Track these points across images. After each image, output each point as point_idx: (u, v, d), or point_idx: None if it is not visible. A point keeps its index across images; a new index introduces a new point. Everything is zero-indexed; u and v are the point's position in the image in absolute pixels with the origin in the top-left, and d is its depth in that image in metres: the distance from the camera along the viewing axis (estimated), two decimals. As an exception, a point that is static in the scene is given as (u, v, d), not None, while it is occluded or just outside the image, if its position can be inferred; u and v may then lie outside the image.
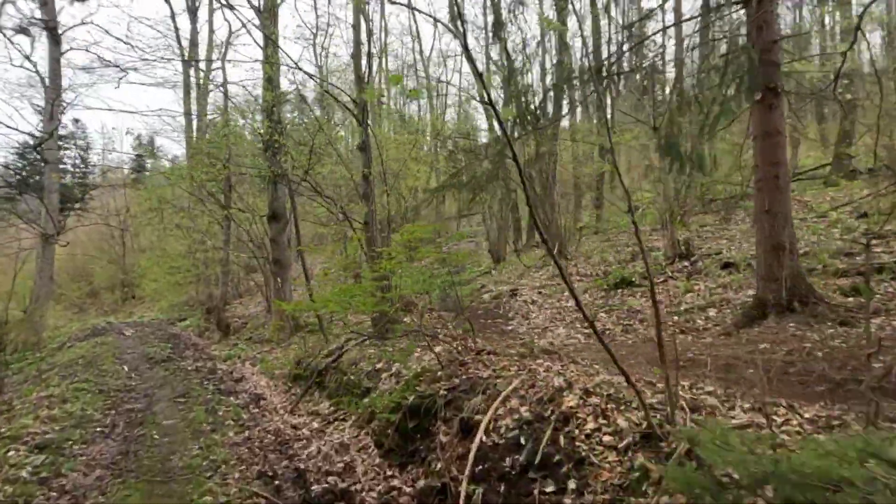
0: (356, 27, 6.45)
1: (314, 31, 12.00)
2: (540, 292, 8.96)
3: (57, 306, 25.45)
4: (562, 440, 2.83)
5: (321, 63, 18.76)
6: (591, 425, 2.83)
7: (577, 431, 2.83)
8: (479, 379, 4.02)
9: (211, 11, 20.11)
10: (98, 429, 5.56)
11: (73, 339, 16.72)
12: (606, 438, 2.68)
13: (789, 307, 4.57)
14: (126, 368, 10.39)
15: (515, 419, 3.22)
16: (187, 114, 14.97)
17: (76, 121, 26.28)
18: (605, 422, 2.81)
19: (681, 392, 2.71)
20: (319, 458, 4.28)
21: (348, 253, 13.67)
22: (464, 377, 4.17)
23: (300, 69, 6.15)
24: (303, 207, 16.57)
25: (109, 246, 26.73)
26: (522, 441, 3.01)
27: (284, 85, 12.70)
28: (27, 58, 18.72)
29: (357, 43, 6.38)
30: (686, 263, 7.42)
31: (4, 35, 21.72)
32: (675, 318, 5.67)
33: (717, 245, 8.10)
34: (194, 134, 15.58)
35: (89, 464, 4.51)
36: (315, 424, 5.25)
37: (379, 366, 5.66)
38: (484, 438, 3.21)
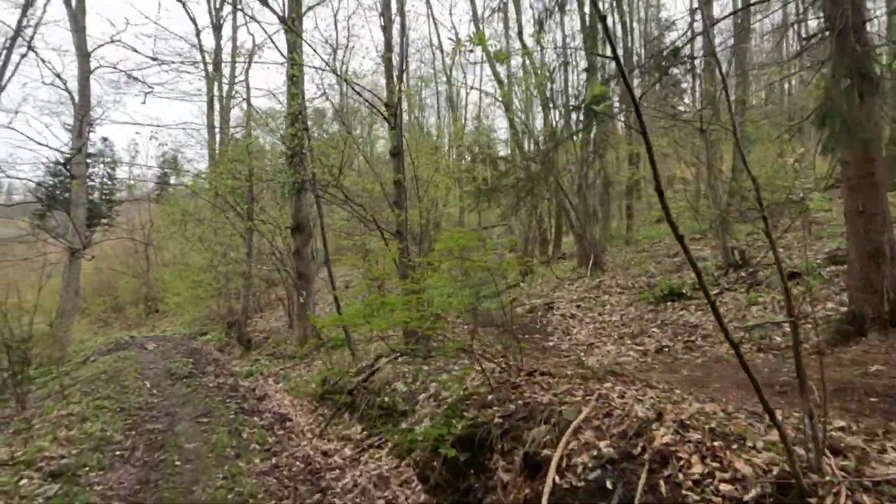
0: (386, 28, 6.15)
1: (334, 45, 11.88)
2: (578, 306, 8.41)
3: (82, 320, 25.73)
4: (663, 487, 2.31)
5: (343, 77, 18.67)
6: (698, 468, 2.32)
7: (680, 476, 2.32)
8: (537, 405, 3.52)
9: (235, 28, 20.39)
10: (117, 452, 5.21)
11: (96, 353, 16.69)
12: (724, 487, 2.16)
13: (893, 322, 3.98)
14: (148, 384, 10.14)
15: (594, 456, 2.71)
16: (210, 127, 14.98)
17: (104, 139, 26.86)
18: (717, 465, 2.29)
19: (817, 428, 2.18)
20: (356, 492, 3.82)
21: (370, 264, 13.34)
22: (519, 402, 3.67)
23: (329, 68, 5.84)
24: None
25: (134, 260, 27.02)
26: (609, 485, 2.50)
27: (310, 93, 12.58)
28: (58, 76, 19.16)
29: (388, 43, 6.08)
30: (742, 274, 6.82)
31: (37, 55, 22.35)
32: (744, 333, 5.08)
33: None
34: (217, 147, 15.58)
35: (105, 494, 4.13)
36: (347, 451, 4.79)
37: (415, 386, 5.21)
38: (557, 479, 2.71)
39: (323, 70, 6.38)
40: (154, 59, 17.53)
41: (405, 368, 5.55)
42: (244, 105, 14.81)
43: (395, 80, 5.92)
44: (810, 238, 7.84)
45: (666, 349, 5.34)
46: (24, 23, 17.79)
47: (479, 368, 4.11)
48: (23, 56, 18.55)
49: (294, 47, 7.57)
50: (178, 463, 4.82)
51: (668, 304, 6.97)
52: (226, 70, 18.21)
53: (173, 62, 17.25)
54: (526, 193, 4.79)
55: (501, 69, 14.38)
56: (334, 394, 6.30)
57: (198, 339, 18.17)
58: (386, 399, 5.23)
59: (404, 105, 14.20)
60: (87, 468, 4.60)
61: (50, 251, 18.67)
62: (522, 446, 3.22)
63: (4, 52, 17.94)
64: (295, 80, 7.30)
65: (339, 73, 6.16)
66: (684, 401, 3.10)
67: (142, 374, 11.65)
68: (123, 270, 26.90)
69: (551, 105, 11.10)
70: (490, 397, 3.92)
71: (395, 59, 6.02)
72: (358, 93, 5.89)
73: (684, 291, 7.00)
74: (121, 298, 27.59)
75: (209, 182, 11.86)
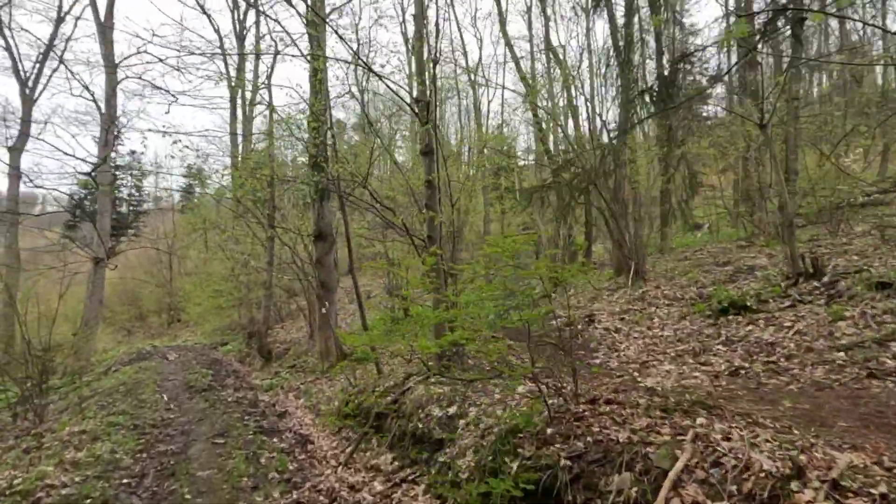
0: (417, 16, 5.67)
1: (356, 41, 11.43)
2: (622, 318, 7.70)
3: (107, 329, 25.95)
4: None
5: (363, 86, 18.46)
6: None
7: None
8: (612, 444, 2.88)
9: (258, 38, 20.40)
10: (124, 480, 4.72)
11: (118, 363, 16.58)
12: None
13: None
14: (165, 398, 9.78)
15: (711, 523, 2.06)
16: (233, 134, 14.83)
17: (132, 152, 27.24)
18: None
19: None
20: (391, 542, 3.22)
21: (397, 274, 12.82)
22: (588, 439, 3.03)
23: (359, 61, 5.37)
24: (340, 227, 15.99)
25: (158, 270, 27.21)
26: (742, 569, 1.85)
27: (335, 91, 12.22)
28: (86, 87, 19.43)
29: (419, 32, 5.59)
30: (816, 284, 6.03)
31: (67, 68, 22.73)
32: (839, 353, 4.33)
33: (848, 261, 6.65)
34: (239, 155, 15.42)
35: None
36: (378, 486, 4.20)
37: (452, 411, 4.60)
38: (661, 552, 2.07)
39: (349, 63, 5.97)
40: (178, 69, 17.54)
41: (439, 390, 4.94)
42: (266, 114, 14.59)
43: (428, 67, 5.40)
44: (888, 244, 6.99)
45: (742, 371, 4.61)
46: (57, 38, 18.15)
47: (538, 393, 3.48)
48: (54, 70, 18.92)
49: (318, 43, 7.18)
50: (188, 496, 4.30)
51: (730, 317, 6.21)
52: (249, 76, 18.15)
53: (198, 68, 17.23)
54: (581, 191, 4.24)
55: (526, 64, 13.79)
56: (359, 415, 5.72)
57: (218, 350, 17.93)
58: (419, 425, 4.63)
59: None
60: (89, 501, 4.12)
61: (75, 260, 18.80)
62: (601, 499, 2.59)
63: (37, 65, 18.32)
64: (319, 74, 6.90)
65: (366, 63, 5.67)
66: (812, 446, 2.42)
67: (160, 387, 11.33)
68: (147, 280, 27.10)
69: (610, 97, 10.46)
70: (550, 431, 3.29)
71: (427, 49, 5.52)
72: (388, 86, 5.40)
73: (748, 304, 6.23)
74: (144, 308, 27.78)
75: (233, 189, 11.58)
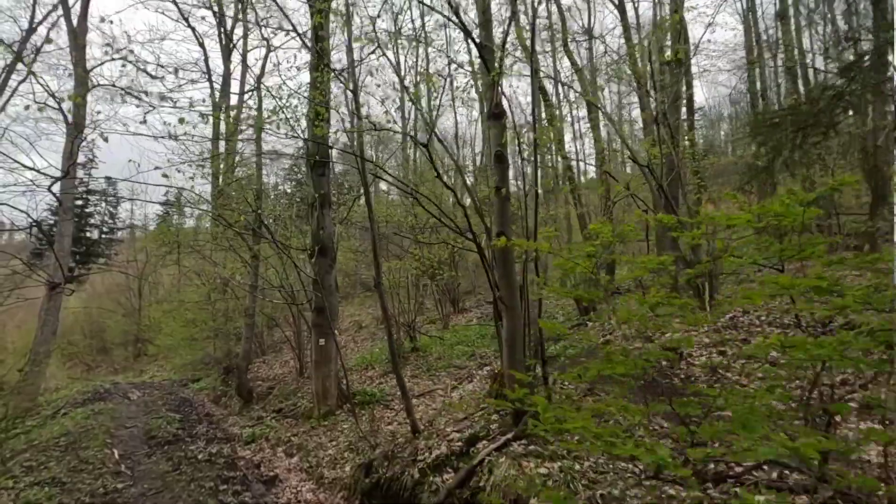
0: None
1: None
2: (722, 352, 6.17)
3: (65, 364, 23.27)
4: None
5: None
6: None
7: None
8: None
9: (245, 52, 19.13)
10: None
11: (70, 404, 14.23)
12: None
13: None
14: (116, 454, 7.76)
15: None
16: (215, 139, 13.24)
17: (108, 178, 25.70)
18: None
19: None
20: None
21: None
22: None
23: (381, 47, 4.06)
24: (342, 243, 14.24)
25: (126, 298, 24.85)
26: None
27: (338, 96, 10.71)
28: (52, 95, 17.65)
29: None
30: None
31: (37, 79, 21.02)
32: None
33: None
34: (220, 176, 13.74)
35: None
36: None
37: None
38: None
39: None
40: (154, 77, 16.04)
41: (529, 463, 3.25)
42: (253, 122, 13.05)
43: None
44: None
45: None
46: (26, 50, 16.60)
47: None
48: (21, 82, 17.23)
49: (315, 34, 5.87)
50: None
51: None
52: (234, 90, 16.75)
53: (178, 76, 15.79)
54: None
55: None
56: (388, 495, 3.93)
57: (189, 387, 15.77)
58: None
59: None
60: None
61: (26, 285, 16.57)
62: None
63: (4, 74, 16.65)
64: (320, 55, 5.53)
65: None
66: None
67: (113, 437, 9.26)
68: (113, 309, 24.66)
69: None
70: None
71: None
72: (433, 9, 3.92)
73: None
74: (109, 339, 25.23)
75: (214, 210, 9.90)
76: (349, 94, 5.98)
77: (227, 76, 19.91)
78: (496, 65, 4.14)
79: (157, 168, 6.36)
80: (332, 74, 6.69)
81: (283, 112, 6.06)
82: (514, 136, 5.67)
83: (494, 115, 4.46)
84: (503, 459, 3.52)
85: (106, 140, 6.06)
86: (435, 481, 3.68)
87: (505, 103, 4.42)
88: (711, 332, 6.54)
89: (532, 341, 5.39)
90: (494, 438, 3.92)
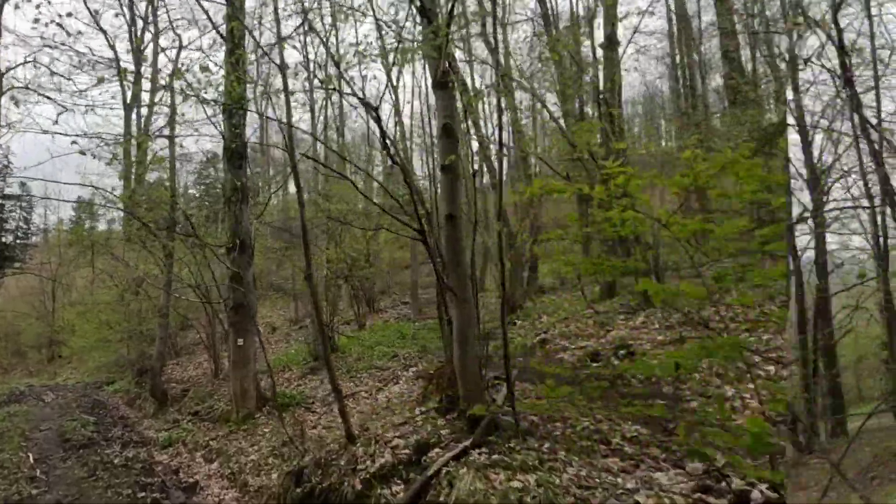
0: None
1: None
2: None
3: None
4: None
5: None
6: None
7: None
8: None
9: (156, 53, 18.46)
10: None
11: (-16, 406, 13.59)
12: None
13: None
14: (31, 458, 7.73)
15: None
16: (127, 135, 12.83)
17: (22, 184, 24.42)
18: None
19: None
20: None
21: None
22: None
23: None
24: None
25: (40, 301, 23.83)
26: None
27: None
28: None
29: None
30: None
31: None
32: None
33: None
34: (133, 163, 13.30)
35: None
36: None
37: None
38: None
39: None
40: (68, 79, 15.21)
41: (497, 475, 3.11)
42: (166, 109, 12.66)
43: None
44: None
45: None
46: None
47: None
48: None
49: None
50: None
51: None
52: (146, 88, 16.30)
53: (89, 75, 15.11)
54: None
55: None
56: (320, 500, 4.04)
57: (104, 389, 15.41)
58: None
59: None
60: None
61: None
62: None
63: None
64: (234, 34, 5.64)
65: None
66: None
67: (28, 440, 9.19)
68: (27, 312, 23.61)
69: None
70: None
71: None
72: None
73: None
74: (23, 343, 24.17)
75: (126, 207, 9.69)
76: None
77: (138, 68, 19.10)
78: (443, 26, 3.90)
79: (73, 143, 6.47)
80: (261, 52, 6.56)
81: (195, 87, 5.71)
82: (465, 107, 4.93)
83: (440, 84, 4.20)
84: (464, 470, 3.24)
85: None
86: (383, 493, 3.54)
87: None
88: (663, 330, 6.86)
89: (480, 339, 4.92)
90: (448, 446, 3.72)
